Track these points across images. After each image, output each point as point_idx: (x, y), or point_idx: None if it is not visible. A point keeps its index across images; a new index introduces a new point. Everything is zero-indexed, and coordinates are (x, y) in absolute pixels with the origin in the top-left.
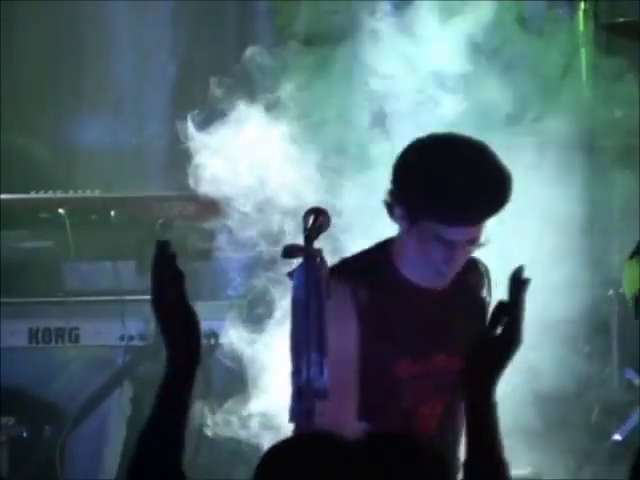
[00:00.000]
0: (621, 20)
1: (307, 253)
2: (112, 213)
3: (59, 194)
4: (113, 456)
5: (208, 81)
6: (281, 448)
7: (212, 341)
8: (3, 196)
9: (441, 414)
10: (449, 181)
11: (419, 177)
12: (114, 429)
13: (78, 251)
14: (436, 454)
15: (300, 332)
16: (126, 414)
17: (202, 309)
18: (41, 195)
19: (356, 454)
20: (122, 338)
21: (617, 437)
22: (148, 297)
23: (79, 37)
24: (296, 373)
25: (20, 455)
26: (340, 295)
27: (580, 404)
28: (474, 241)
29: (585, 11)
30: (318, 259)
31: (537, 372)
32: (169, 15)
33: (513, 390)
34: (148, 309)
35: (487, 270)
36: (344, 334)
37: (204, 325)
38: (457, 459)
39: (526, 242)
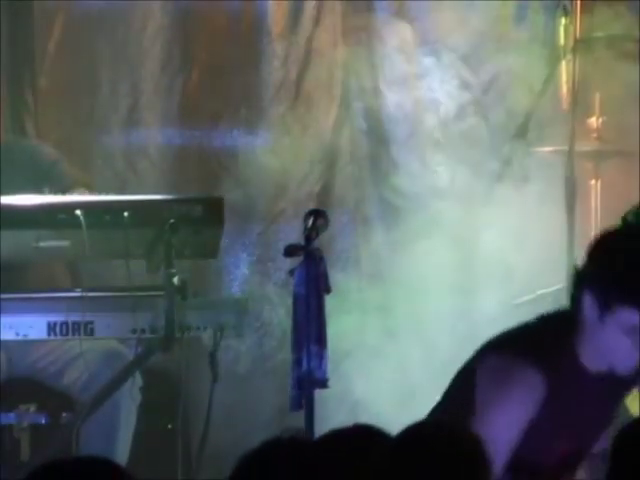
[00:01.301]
0: (599, 35)
1: (307, 252)
2: (125, 214)
3: (76, 196)
4: (125, 441)
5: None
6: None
7: (219, 334)
8: (23, 198)
9: None
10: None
11: (623, 261)
12: (125, 416)
13: (93, 250)
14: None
15: (301, 326)
16: (137, 402)
17: (208, 305)
18: (59, 197)
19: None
20: (134, 331)
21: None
22: (158, 293)
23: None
24: (297, 364)
25: (39, 440)
26: (529, 380)
27: None
28: None
29: (566, 25)
30: (317, 257)
31: None
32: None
33: None
34: (158, 304)
35: None
36: (513, 416)
37: (211, 318)
38: None
39: None
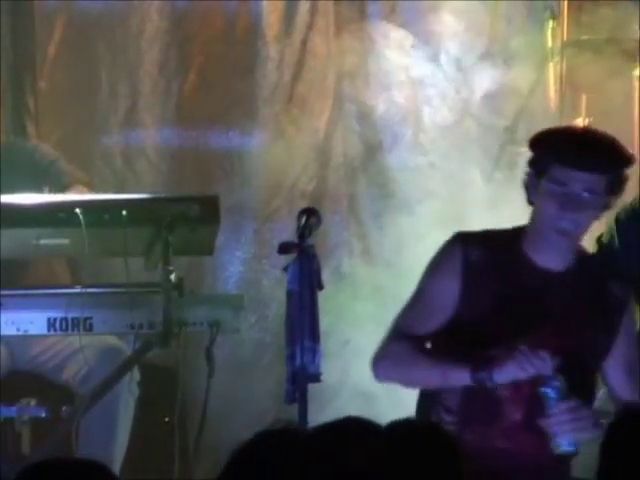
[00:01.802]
0: (585, 37)
1: (300, 249)
2: (124, 213)
3: (75, 195)
4: (123, 434)
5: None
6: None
7: (215, 329)
8: (23, 197)
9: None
10: (572, 137)
11: (548, 135)
12: (124, 410)
13: (92, 248)
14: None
15: (294, 321)
16: (135, 396)
17: (204, 301)
18: (59, 196)
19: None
20: (132, 327)
21: None
22: (156, 289)
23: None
24: (291, 358)
25: (40, 433)
26: (449, 252)
27: None
28: (592, 191)
29: (553, 28)
30: (311, 254)
31: None
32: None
33: None
34: (156, 300)
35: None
36: (440, 284)
37: (208, 314)
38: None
39: None
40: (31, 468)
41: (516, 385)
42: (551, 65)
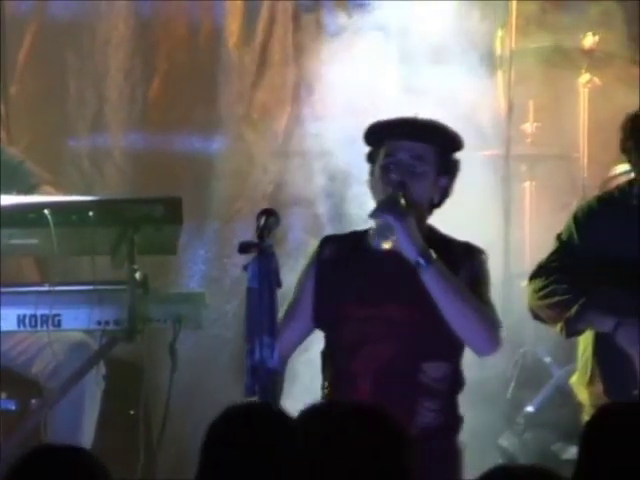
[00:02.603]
0: (533, 46)
1: (260, 249)
2: (91, 214)
3: (44, 197)
4: (90, 425)
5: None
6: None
7: (178, 326)
8: None
9: (386, 360)
10: (399, 118)
11: (376, 123)
12: (90, 402)
13: (61, 247)
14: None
15: (254, 317)
16: (101, 389)
17: (168, 298)
18: (29, 197)
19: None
20: (99, 323)
21: (530, 409)
22: (122, 287)
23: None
24: (250, 353)
25: (10, 426)
26: (312, 249)
27: (498, 380)
28: (420, 159)
29: (502, 37)
30: (270, 254)
31: None
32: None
33: None
34: (122, 298)
35: (476, 253)
36: (302, 275)
37: (171, 311)
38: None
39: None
40: (29, 455)
41: (365, 358)
42: (500, 72)
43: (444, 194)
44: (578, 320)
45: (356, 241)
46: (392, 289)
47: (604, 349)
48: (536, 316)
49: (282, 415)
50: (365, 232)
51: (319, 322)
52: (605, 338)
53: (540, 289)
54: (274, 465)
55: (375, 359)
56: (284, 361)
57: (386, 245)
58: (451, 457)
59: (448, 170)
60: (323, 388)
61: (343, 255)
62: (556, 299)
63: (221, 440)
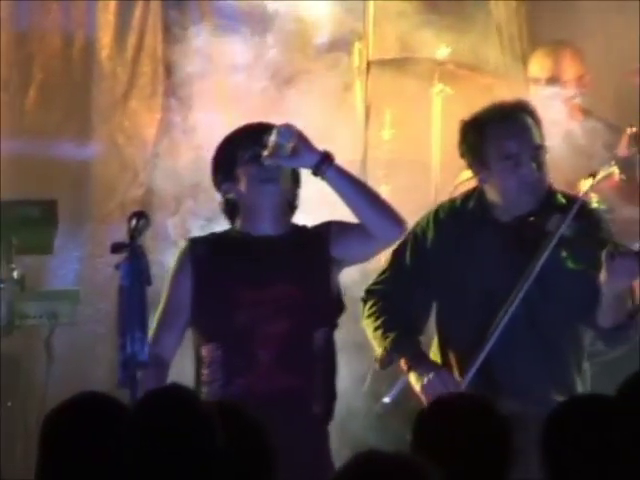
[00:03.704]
0: (389, 57)
1: (131, 249)
2: None
3: None
4: None
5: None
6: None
7: (53, 322)
8: None
9: (285, 334)
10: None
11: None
12: None
13: None
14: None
15: (125, 314)
16: None
17: (44, 296)
18: None
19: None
20: None
21: (386, 400)
22: (1, 285)
23: None
24: (122, 347)
25: None
26: (180, 251)
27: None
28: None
29: (360, 49)
30: (140, 253)
31: None
32: None
33: None
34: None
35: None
36: (175, 277)
37: (47, 307)
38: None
39: None
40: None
41: (266, 329)
42: (358, 82)
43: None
44: (390, 355)
45: (222, 238)
46: (272, 273)
47: (447, 343)
48: None
49: (114, 404)
50: (226, 232)
51: (202, 317)
52: (449, 333)
53: (368, 314)
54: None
55: (271, 337)
56: (168, 363)
57: (282, 160)
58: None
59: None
60: (199, 374)
61: (217, 250)
62: (375, 331)
63: (56, 432)
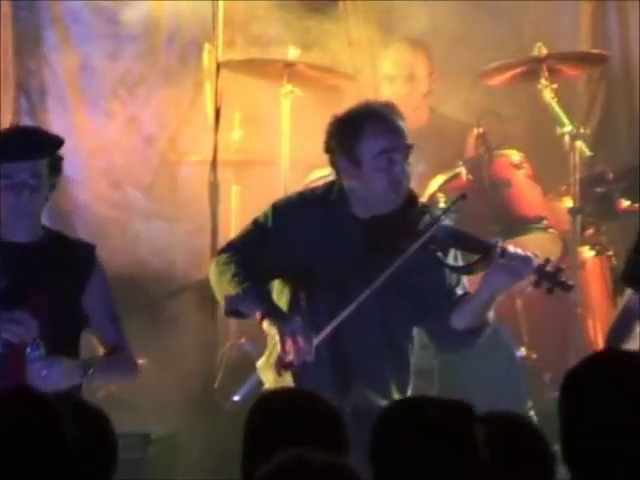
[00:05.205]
0: (238, 58)
1: None
2: None
3: None
4: None
5: None
6: None
7: None
8: None
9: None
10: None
11: None
12: None
13: None
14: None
15: None
16: None
17: None
18: None
19: None
20: None
21: (236, 398)
22: None
23: None
24: None
25: None
26: None
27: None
28: (37, 175)
29: (209, 51)
30: None
31: None
32: None
33: None
34: None
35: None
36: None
37: None
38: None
39: None
40: None
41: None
42: (208, 84)
43: (55, 187)
44: (235, 301)
45: None
46: (26, 283)
47: None
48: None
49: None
50: None
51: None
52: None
53: (223, 263)
54: None
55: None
56: None
57: None
58: None
59: (59, 168)
60: None
61: None
62: (228, 276)
63: None
